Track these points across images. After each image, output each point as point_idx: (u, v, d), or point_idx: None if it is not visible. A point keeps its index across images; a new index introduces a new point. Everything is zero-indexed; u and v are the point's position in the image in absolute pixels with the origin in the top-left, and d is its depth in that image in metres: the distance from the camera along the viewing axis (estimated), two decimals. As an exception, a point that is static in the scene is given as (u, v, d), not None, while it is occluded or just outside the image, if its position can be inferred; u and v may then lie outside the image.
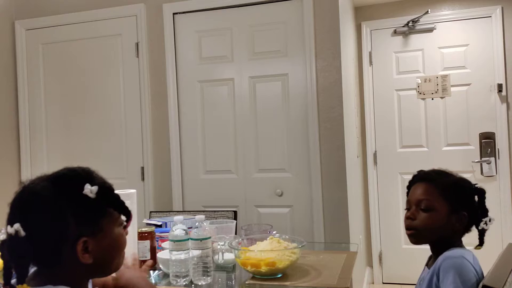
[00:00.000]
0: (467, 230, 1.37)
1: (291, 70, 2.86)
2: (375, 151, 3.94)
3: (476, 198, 1.36)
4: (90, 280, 1.08)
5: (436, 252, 1.37)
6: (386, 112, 3.91)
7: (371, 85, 3.93)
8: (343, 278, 1.54)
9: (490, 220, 1.33)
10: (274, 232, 1.84)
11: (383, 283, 3.94)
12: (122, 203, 1.03)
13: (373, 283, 3.96)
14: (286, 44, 2.86)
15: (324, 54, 2.78)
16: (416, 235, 1.38)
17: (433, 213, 1.34)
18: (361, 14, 3.95)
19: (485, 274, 1.28)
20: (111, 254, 1.02)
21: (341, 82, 2.76)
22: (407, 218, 1.40)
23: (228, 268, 1.76)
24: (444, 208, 1.33)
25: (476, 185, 1.38)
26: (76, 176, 0.98)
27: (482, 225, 1.33)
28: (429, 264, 1.43)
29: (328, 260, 1.77)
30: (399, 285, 3.86)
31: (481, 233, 1.36)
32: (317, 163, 2.77)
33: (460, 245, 1.36)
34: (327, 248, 2.29)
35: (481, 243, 1.37)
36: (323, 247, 2.39)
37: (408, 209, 1.43)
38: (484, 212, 1.36)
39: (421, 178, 1.42)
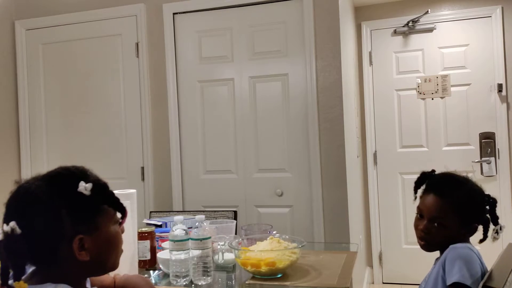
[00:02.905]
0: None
1: (291, 70, 2.86)
2: (375, 151, 3.94)
3: (487, 207, 1.38)
4: (88, 280, 1.09)
5: (443, 250, 1.39)
6: (386, 112, 3.90)
7: (371, 85, 3.92)
8: (343, 278, 1.54)
9: (501, 228, 1.34)
10: (274, 232, 1.84)
11: (383, 283, 3.94)
12: (117, 200, 1.03)
13: (373, 283, 3.95)
14: (286, 44, 2.86)
15: (324, 54, 2.78)
16: (428, 246, 1.42)
17: (446, 229, 1.37)
18: (361, 14, 3.95)
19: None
20: (108, 251, 1.02)
21: (341, 82, 2.76)
22: (420, 230, 1.42)
23: (228, 268, 1.76)
24: (456, 223, 1.36)
25: (488, 196, 1.38)
26: (71, 175, 0.98)
27: (493, 234, 1.34)
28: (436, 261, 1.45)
29: (328, 260, 1.76)
30: (399, 285, 3.86)
31: (484, 229, 1.38)
32: (317, 163, 2.77)
33: (466, 241, 1.38)
34: (327, 248, 2.29)
35: (484, 238, 1.38)
36: (323, 247, 2.39)
37: (419, 215, 1.45)
38: (495, 220, 1.37)
39: (433, 188, 1.42)
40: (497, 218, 1.36)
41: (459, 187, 1.40)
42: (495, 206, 1.37)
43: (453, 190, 1.39)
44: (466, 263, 1.25)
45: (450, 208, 1.36)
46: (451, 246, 1.32)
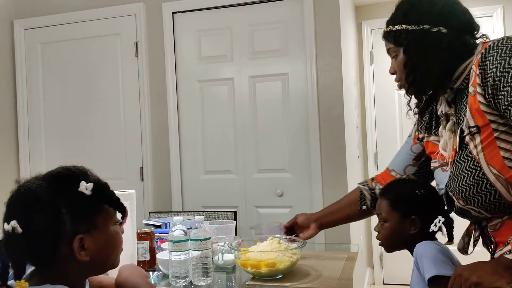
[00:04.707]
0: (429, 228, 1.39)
1: (291, 70, 2.84)
2: (376, 151, 3.92)
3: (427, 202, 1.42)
4: (87, 281, 1.08)
5: (409, 249, 1.45)
6: (387, 112, 3.89)
7: (372, 84, 3.91)
8: (344, 279, 1.53)
9: (439, 221, 1.36)
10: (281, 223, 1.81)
11: (384, 284, 3.92)
12: (118, 200, 1.04)
13: (374, 284, 3.94)
14: (286, 43, 2.85)
15: (325, 53, 2.77)
16: (383, 245, 1.50)
17: (388, 223, 1.44)
18: (361, 13, 3.93)
19: None
20: (108, 251, 1.02)
21: (341, 81, 2.75)
22: (376, 231, 1.52)
23: (228, 269, 1.74)
24: (395, 217, 1.42)
25: (420, 189, 1.42)
26: (71, 174, 0.99)
27: (432, 227, 1.36)
28: None
29: (328, 261, 1.75)
30: (400, 286, 3.84)
31: (448, 231, 1.41)
32: (318, 163, 2.75)
33: (429, 237, 1.40)
34: (327, 249, 2.27)
35: (450, 239, 1.42)
36: (323, 248, 2.37)
37: None
38: (434, 214, 1.38)
39: (380, 194, 1.53)
40: (436, 212, 1.37)
41: (397, 186, 1.48)
42: (429, 201, 1.40)
43: (391, 189, 1.48)
44: (430, 256, 1.28)
45: (387, 204, 1.44)
46: (416, 246, 1.35)
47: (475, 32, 1.30)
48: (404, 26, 1.27)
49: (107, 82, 3.16)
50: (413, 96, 1.37)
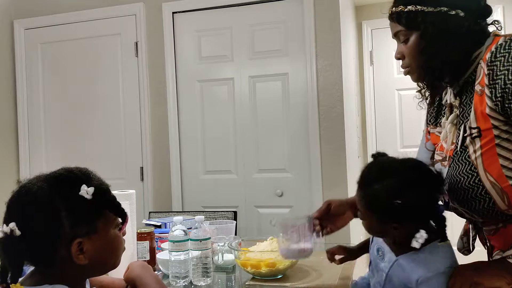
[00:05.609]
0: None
1: (291, 70, 2.84)
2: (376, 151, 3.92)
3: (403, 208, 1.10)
4: (88, 281, 1.08)
5: (399, 247, 1.17)
6: (387, 112, 3.89)
7: (372, 84, 3.91)
8: (344, 279, 1.53)
9: (421, 237, 1.06)
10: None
11: (384, 283, 3.92)
12: (118, 205, 1.03)
13: (373, 283, 3.93)
14: (286, 43, 2.85)
15: (325, 53, 2.77)
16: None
17: (366, 222, 1.19)
18: (362, 13, 3.93)
19: None
20: (106, 256, 1.02)
21: (341, 81, 2.75)
22: None
23: (228, 269, 1.74)
24: (372, 218, 1.16)
25: (399, 200, 1.08)
26: (73, 177, 0.98)
27: (414, 243, 1.07)
28: (393, 250, 1.19)
29: (328, 261, 1.75)
30: (400, 285, 3.84)
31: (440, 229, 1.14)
32: (318, 163, 2.75)
33: (433, 241, 1.13)
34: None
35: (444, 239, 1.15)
36: (323, 248, 2.37)
37: None
38: (413, 225, 1.09)
39: (358, 182, 1.20)
40: (416, 224, 1.09)
41: (375, 178, 1.15)
42: (407, 210, 1.08)
43: (369, 181, 1.16)
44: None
45: (362, 202, 1.17)
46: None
47: (488, 17, 1.19)
48: (419, 7, 1.13)
49: (107, 82, 3.16)
50: (425, 84, 1.25)
